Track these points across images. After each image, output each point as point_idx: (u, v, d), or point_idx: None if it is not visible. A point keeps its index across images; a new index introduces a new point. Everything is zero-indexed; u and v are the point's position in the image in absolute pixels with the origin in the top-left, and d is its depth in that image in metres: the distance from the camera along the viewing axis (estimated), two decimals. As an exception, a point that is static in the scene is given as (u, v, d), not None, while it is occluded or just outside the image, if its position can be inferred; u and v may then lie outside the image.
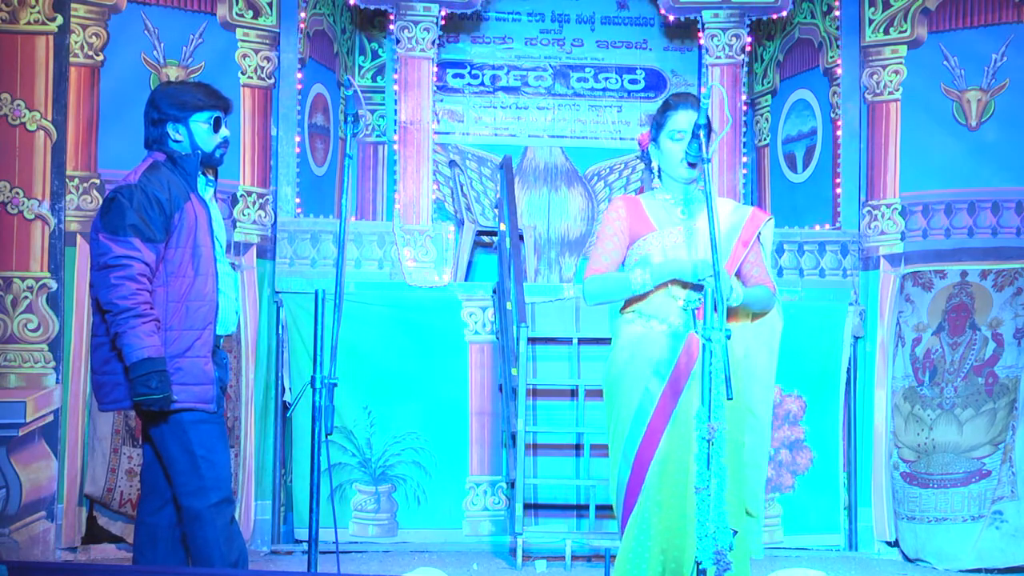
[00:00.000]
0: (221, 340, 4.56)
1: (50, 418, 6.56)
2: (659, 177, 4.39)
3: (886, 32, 7.48)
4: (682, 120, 4.27)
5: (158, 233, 4.31)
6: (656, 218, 4.36)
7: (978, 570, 6.81)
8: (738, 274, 4.35)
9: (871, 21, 7.52)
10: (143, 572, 4.25)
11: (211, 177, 4.59)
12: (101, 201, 6.67)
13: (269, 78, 7.36)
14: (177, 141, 4.46)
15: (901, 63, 7.43)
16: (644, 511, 4.20)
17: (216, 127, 4.49)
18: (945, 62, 7.31)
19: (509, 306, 7.22)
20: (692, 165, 4.26)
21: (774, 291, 4.38)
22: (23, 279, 6.58)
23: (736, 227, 4.35)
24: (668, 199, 4.37)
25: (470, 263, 8.11)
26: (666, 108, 4.34)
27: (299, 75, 7.51)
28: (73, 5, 6.71)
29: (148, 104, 4.51)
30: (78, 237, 6.67)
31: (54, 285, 6.61)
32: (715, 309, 3.87)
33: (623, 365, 4.32)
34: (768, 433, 4.45)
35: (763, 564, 4.41)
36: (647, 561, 4.19)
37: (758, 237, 4.39)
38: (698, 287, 4.12)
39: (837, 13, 7.66)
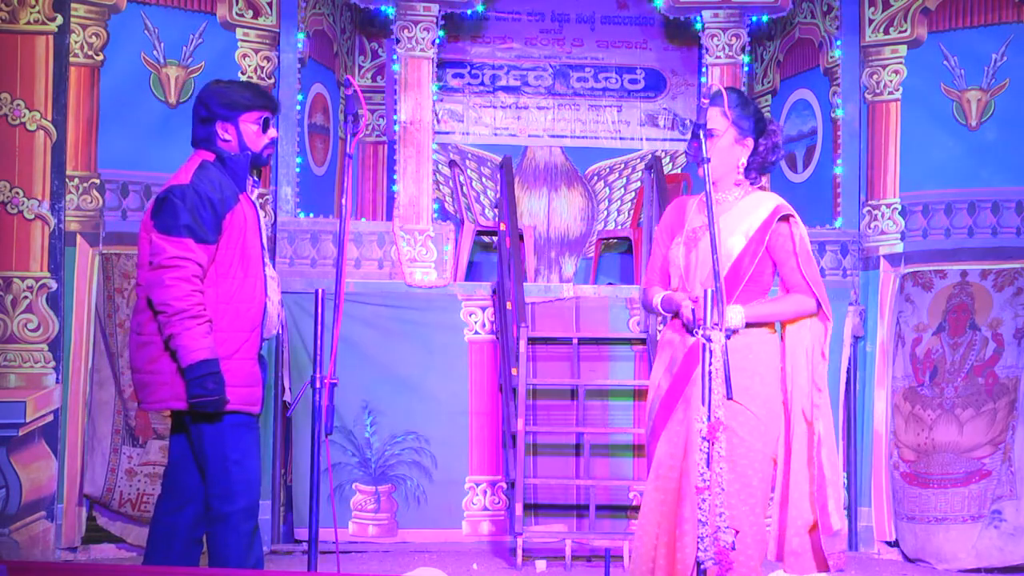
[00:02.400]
0: (265, 343, 4.55)
1: (50, 418, 6.56)
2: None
3: (886, 32, 7.48)
4: (706, 116, 4.28)
5: (210, 234, 4.29)
6: (691, 216, 4.42)
7: (977, 570, 6.81)
8: (777, 272, 4.34)
9: (871, 21, 7.52)
10: (143, 572, 4.24)
11: (256, 178, 4.58)
12: (102, 199, 6.67)
13: (269, 78, 7.36)
14: (226, 140, 4.43)
15: (901, 63, 7.43)
16: (645, 507, 4.27)
17: (265, 128, 4.47)
18: (945, 62, 7.31)
19: (509, 306, 7.21)
20: (695, 165, 4.29)
21: (809, 293, 4.30)
22: (23, 279, 6.58)
23: (754, 223, 4.33)
24: (703, 197, 4.39)
25: (470, 263, 8.11)
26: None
27: (299, 75, 7.51)
28: (73, 5, 6.72)
29: (197, 102, 4.49)
30: (78, 237, 6.67)
31: (54, 285, 6.61)
32: (715, 310, 3.87)
33: (656, 360, 4.44)
34: (828, 440, 4.35)
35: (763, 564, 4.40)
36: (640, 555, 4.27)
37: (780, 233, 4.34)
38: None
39: (837, 13, 7.66)
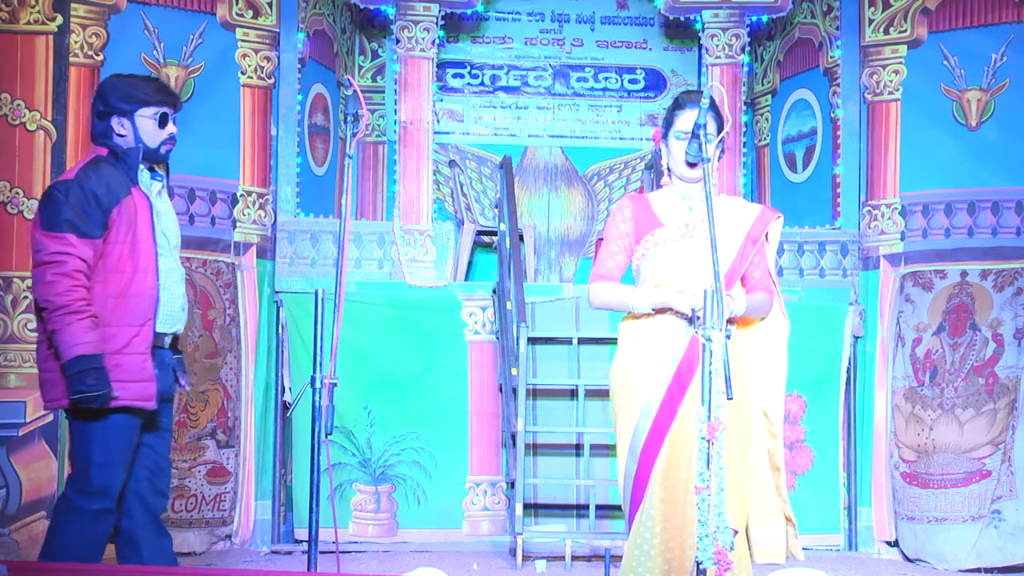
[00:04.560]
0: (167, 338, 4.47)
1: (50, 418, 6.55)
2: (669, 175, 4.42)
3: (886, 32, 7.48)
4: (688, 119, 4.30)
5: (95, 229, 4.25)
6: (663, 215, 4.39)
7: (977, 569, 6.81)
8: (743, 273, 4.37)
9: (871, 21, 7.52)
10: (142, 572, 4.23)
11: (160, 172, 4.51)
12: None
13: (269, 78, 7.36)
14: (121, 135, 4.39)
15: (901, 63, 7.43)
16: (649, 508, 4.21)
17: (162, 123, 4.42)
18: (945, 62, 7.31)
19: (509, 306, 7.22)
20: (692, 165, 4.28)
21: (773, 293, 4.39)
22: (23, 279, 6.58)
23: (745, 224, 4.36)
24: (677, 196, 4.39)
25: (470, 263, 8.11)
26: (675, 106, 4.38)
27: (299, 75, 7.51)
28: (73, 5, 6.71)
29: (96, 96, 4.45)
30: (78, 237, 6.66)
31: (54, 285, 6.60)
32: (714, 309, 3.87)
33: (631, 358, 4.35)
34: (780, 435, 4.44)
35: (763, 564, 4.40)
36: (652, 559, 4.20)
37: (766, 236, 4.39)
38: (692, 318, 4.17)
39: (837, 13, 7.66)
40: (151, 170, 4.48)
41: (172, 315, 4.45)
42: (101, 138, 4.41)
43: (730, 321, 4.22)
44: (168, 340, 4.48)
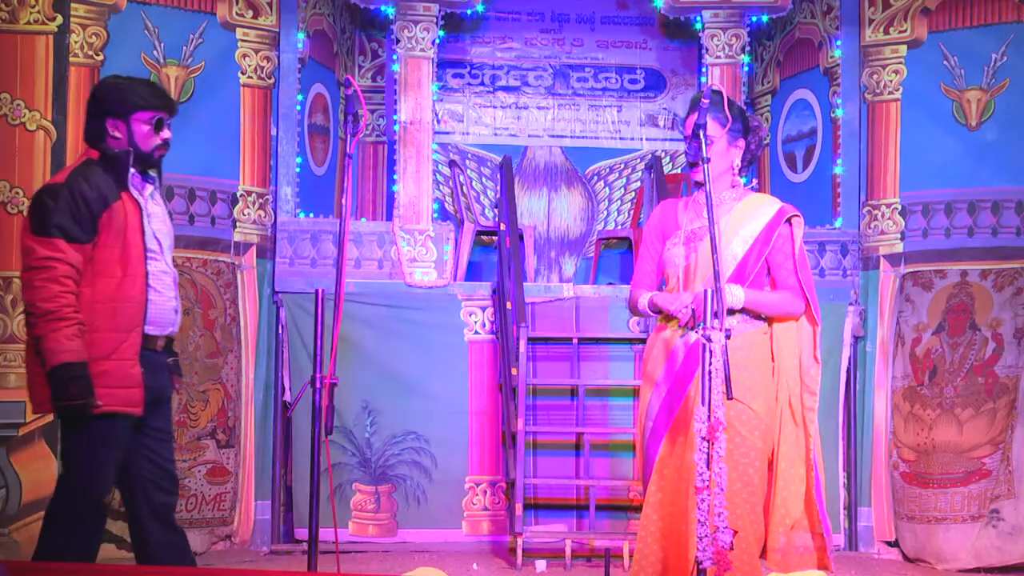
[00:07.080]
0: (159, 341, 4.42)
1: (50, 418, 6.54)
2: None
3: (886, 32, 7.48)
4: (690, 120, 4.33)
5: (84, 234, 4.21)
6: (683, 218, 4.43)
7: (976, 569, 6.81)
8: (768, 273, 4.36)
9: (871, 21, 7.52)
10: (142, 572, 4.24)
11: (152, 174, 4.47)
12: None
13: (269, 78, 7.36)
14: (116, 138, 4.34)
15: (901, 63, 7.43)
16: (647, 507, 4.25)
17: (158, 128, 4.38)
18: (945, 62, 7.31)
19: (509, 306, 7.22)
20: (692, 165, 4.30)
21: (799, 294, 4.31)
22: (23, 279, 6.57)
23: (759, 225, 4.34)
24: (698, 198, 4.41)
25: (470, 263, 8.11)
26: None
27: (299, 75, 7.51)
28: (73, 5, 6.72)
29: (91, 97, 4.42)
30: (78, 237, 6.66)
31: (54, 285, 6.59)
32: (715, 311, 3.88)
33: (648, 362, 4.43)
34: (806, 440, 4.34)
35: (763, 564, 4.40)
36: (646, 558, 4.25)
37: (782, 235, 4.34)
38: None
39: (837, 13, 7.66)
40: (142, 173, 4.43)
41: (164, 318, 4.41)
42: (94, 140, 4.37)
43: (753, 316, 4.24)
44: (161, 343, 4.43)
